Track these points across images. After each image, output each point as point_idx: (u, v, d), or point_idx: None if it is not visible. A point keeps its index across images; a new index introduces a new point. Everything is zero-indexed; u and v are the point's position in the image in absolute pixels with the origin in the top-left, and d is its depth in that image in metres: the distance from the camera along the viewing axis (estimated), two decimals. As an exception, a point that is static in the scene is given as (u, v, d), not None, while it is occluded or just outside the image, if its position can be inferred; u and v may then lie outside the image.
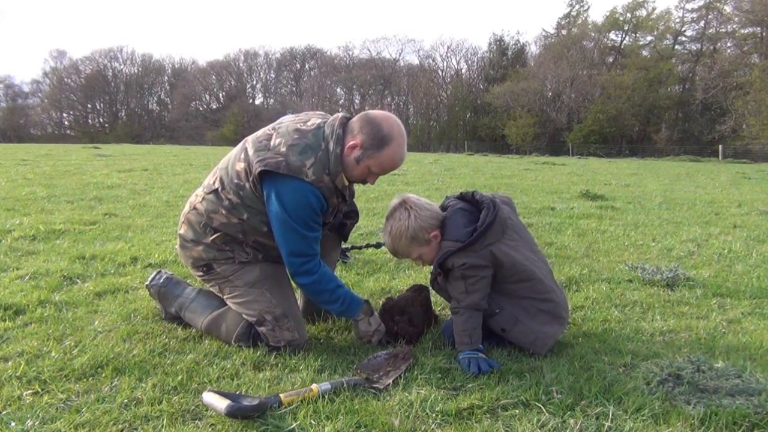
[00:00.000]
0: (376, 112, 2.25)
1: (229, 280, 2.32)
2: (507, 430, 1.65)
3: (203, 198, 2.33)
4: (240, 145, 2.32)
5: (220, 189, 2.27)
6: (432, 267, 2.25)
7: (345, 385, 1.87)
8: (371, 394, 1.84)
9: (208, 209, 2.29)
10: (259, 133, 2.30)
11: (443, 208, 2.32)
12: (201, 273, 2.38)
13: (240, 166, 2.22)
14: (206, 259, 2.33)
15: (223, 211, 2.25)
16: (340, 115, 2.26)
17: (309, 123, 2.25)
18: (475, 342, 2.10)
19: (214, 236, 2.30)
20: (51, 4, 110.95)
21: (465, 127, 49.44)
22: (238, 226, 2.27)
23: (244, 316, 2.28)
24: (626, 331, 2.47)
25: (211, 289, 2.44)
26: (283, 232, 2.15)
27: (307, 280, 2.21)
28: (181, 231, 2.41)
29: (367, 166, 2.19)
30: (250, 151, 2.20)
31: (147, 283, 2.59)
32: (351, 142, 2.17)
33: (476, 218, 2.19)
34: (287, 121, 2.30)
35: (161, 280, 2.55)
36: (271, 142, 2.19)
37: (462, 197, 2.32)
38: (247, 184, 2.19)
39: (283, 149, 2.14)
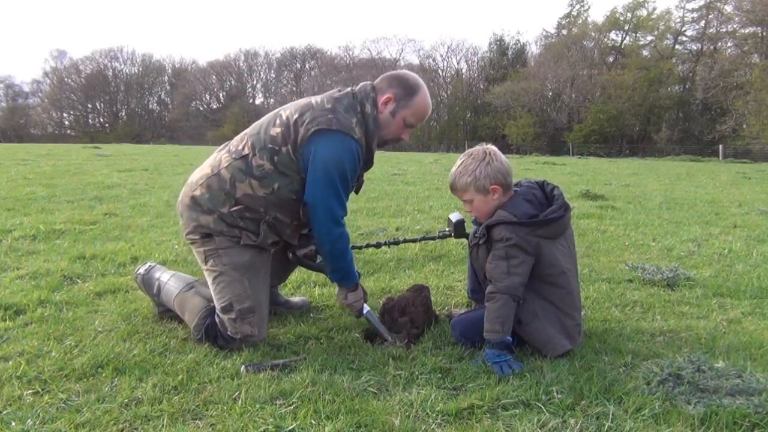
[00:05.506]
0: (398, 70, 2.41)
1: (218, 254, 2.28)
2: (507, 430, 1.65)
3: (230, 163, 2.27)
4: (272, 113, 2.35)
5: (250, 155, 2.24)
6: (474, 230, 2.34)
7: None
8: (371, 394, 1.84)
9: (234, 176, 2.25)
10: (294, 102, 2.35)
11: (517, 184, 2.35)
12: (197, 237, 2.32)
13: (276, 131, 2.23)
14: (212, 229, 2.28)
15: (253, 181, 2.23)
16: (368, 82, 2.36)
17: (343, 91, 2.33)
18: (506, 331, 2.09)
19: (234, 208, 2.25)
20: (51, 4, 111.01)
21: (465, 127, 49.40)
22: (262, 200, 2.24)
23: (214, 297, 2.27)
24: (626, 331, 2.47)
25: (196, 255, 2.40)
26: (323, 191, 2.17)
27: (340, 245, 2.25)
28: (197, 193, 2.31)
29: (402, 118, 2.30)
30: (294, 115, 2.21)
31: (134, 274, 2.66)
32: (383, 98, 2.28)
33: (542, 209, 2.22)
34: (319, 94, 2.36)
35: (143, 270, 2.63)
36: (313, 102, 2.25)
37: (541, 186, 2.35)
38: (283, 149, 2.20)
39: (329, 106, 2.21)
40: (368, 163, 2.37)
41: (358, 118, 2.23)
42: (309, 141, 2.16)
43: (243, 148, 2.27)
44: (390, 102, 2.28)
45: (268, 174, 2.21)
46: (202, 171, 2.37)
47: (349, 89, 2.32)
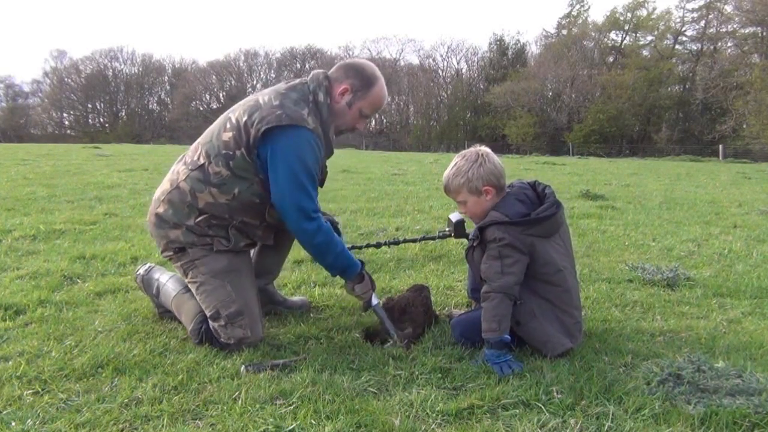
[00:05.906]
0: (354, 59, 2.36)
1: (195, 265, 2.28)
2: (507, 430, 1.65)
3: (188, 175, 2.26)
4: (222, 117, 2.31)
5: (206, 164, 2.22)
6: (470, 233, 2.32)
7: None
8: (371, 394, 1.84)
9: (194, 188, 2.23)
10: (242, 102, 2.30)
11: (510, 185, 2.35)
12: (171, 253, 2.32)
13: (227, 135, 2.20)
14: (183, 242, 2.28)
15: (213, 189, 2.21)
16: (321, 70, 2.33)
17: (290, 83, 2.29)
18: (504, 329, 2.08)
19: (199, 218, 2.25)
20: (51, 4, 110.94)
21: (465, 127, 49.39)
22: (225, 207, 2.23)
23: (202, 308, 2.27)
24: (626, 331, 2.47)
25: (176, 272, 2.42)
26: (289, 188, 2.13)
27: (320, 239, 2.20)
28: (160, 210, 2.31)
29: (358, 109, 2.29)
30: (243, 117, 2.17)
31: (134, 274, 2.67)
32: (340, 88, 2.26)
33: (534, 208, 2.21)
34: (266, 89, 2.32)
35: (143, 270, 2.63)
36: (261, 101, 2.20)
37: (532, 186, 2.34)
38: (237, 152, 2.17)
39: (276, 102, 2.16)
40: (328, 151, 2.34)
41: (311, 108, 2.20)
42: (262, 141, 2.13)
43: (198, 158, 2.25)
44: (347, 93, 2.27)
45: (227, 180, 2.20)
46: (162, 187, 2.36)
47: (298, 80, 2.31)
